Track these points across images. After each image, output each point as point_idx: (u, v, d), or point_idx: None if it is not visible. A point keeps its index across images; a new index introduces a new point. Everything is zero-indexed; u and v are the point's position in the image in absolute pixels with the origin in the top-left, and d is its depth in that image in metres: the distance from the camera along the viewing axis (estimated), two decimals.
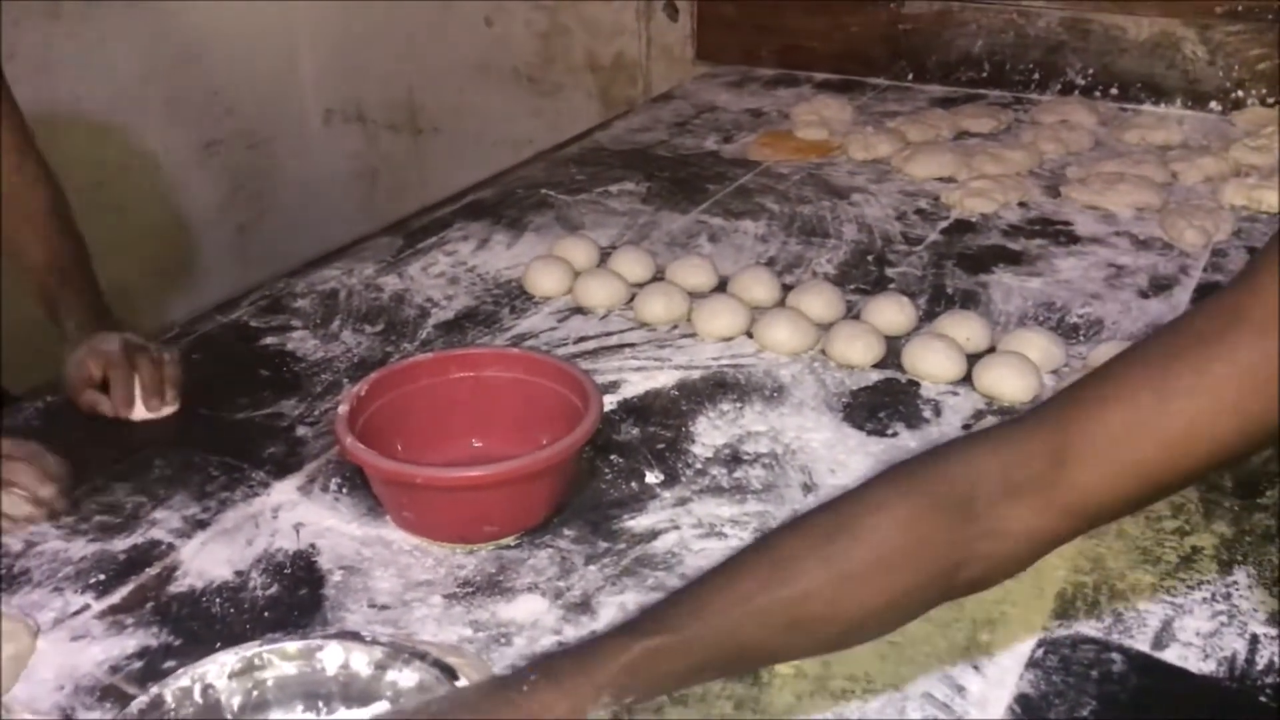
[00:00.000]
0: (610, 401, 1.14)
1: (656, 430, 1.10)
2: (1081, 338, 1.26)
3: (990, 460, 0.66)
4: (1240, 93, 1.93)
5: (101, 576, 0.92)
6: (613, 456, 1.06)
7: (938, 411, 1.13)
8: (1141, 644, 0.83)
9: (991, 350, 1.22)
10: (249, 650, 0.71)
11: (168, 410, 1.14)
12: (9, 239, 1.23)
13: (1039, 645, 0.83)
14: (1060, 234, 1.53)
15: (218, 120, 2.86)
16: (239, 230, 2.97)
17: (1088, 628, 0.85)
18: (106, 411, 1.11)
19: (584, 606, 0.87)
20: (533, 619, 0.86)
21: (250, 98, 2.91)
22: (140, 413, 1.12)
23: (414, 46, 2.84)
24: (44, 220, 1.24)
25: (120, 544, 0.95)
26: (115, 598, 0.89)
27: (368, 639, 0.73)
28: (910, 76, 2.20)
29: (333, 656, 0.72)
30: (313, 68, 3.01)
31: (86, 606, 0.88)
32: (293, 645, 0.72)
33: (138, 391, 1.12)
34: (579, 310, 1.35)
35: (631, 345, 1.26)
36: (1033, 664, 0.81)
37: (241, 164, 2.94)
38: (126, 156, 2.58)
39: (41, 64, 2.29)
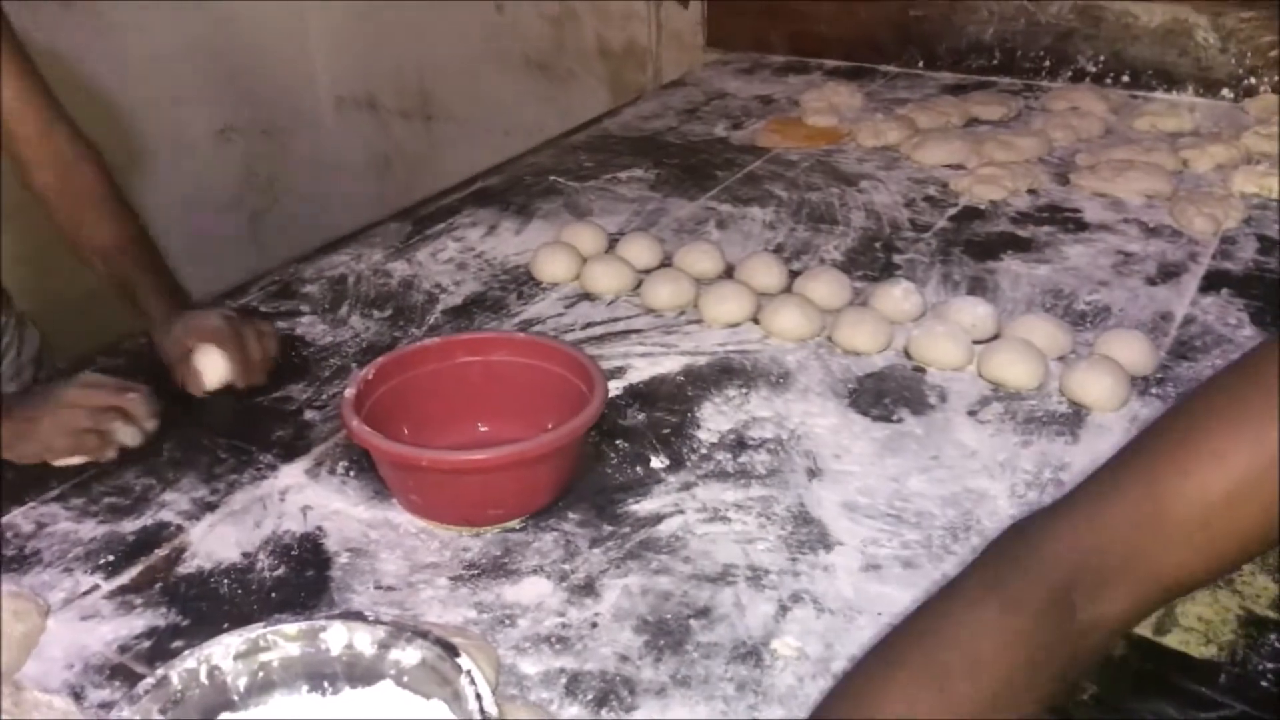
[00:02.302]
0: (616, 387, 1.14)
1: (662, 415, 1.10)
2: (1089, 325, 1.26)
3: (1081, 545, 0.59)
4: (1252, 80, 1.92)
5: (111, 557, 0.93)
6: (618, 441, 1.06)
7: (943, 397, 1.13)
8: (1143, 628, 0.83)
9: (998, 337, 1.22)
10: (254, 632, 0.72)
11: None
12: (70, 221, 1.23)
13: None
14: (1069, 221, 1.53)
15: (232, 107, 2.87)
16: (252, 217, 2.99)
17: None
18: (195, 390, 1.11)
19: (588, 589, 0.88)
20: (537, 601, 0.87)
21: (264, 85, 2.92)
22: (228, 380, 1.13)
23: (425, 34, 2.84)
24: (103, 201, 1.24)
25: (129, 525, 0.96)
26: (124, 578, 0.90)
27: (370, 619, 0.73)
28: (920, 63, 2.20)
29: (336, 637, 0.72)
30: (325, 55, 3.02)
31: (96, 587, 0.89)
32: (295, 626, 0.72)
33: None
34: (586, 296, 1.35)
35: (638, 331, 1.27)
36: None
37: (255, 151, 2.96)
38: (141, 142, 2.59)
39: (54, 51, 2.30)
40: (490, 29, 2.73)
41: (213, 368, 1.11)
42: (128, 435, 1.05)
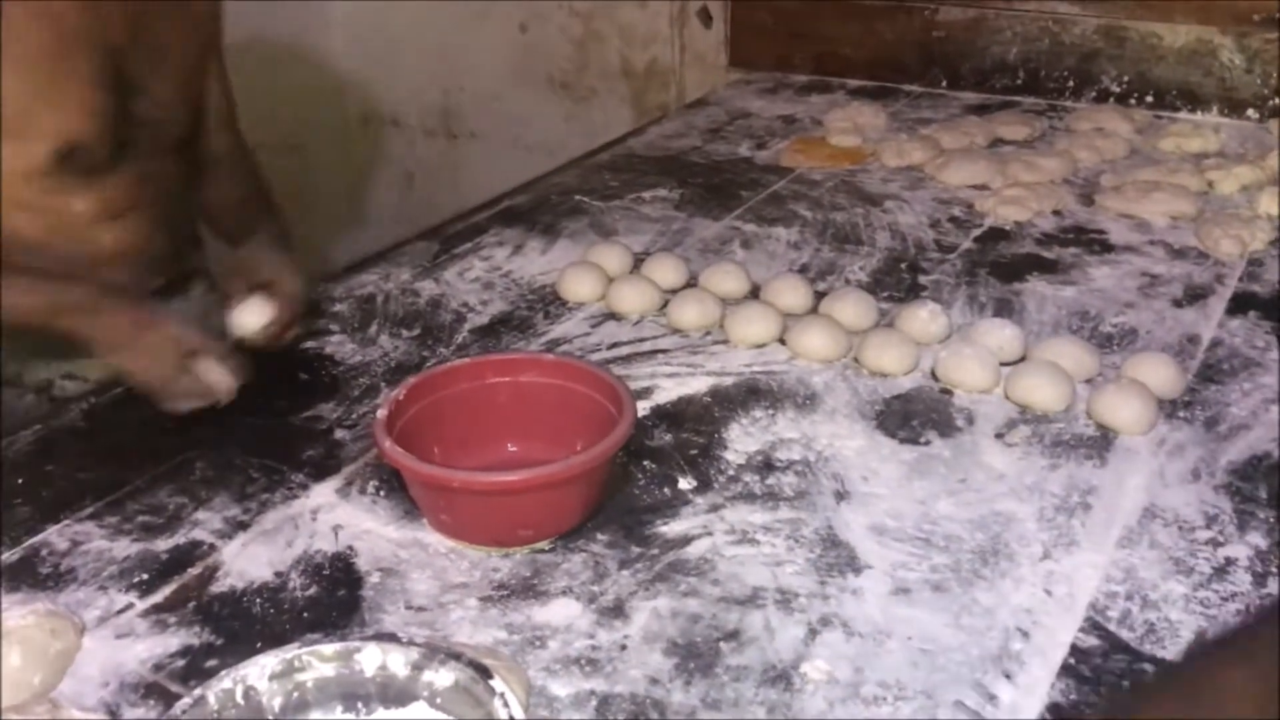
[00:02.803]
0: (643, 407, 1.15)
1: (689, 436, 1.11)
2: (1115, 347, 1.26)
3: None
4: (1277, 100, 1.92)
5: (145, 576, 0.94)
6: (646, 462, 1.07)
7: (970, 420, 1.13)
8: (1173, 654, 0.83)
9: (1024, 359, 1.22)
10: (289, 652, 0.72)
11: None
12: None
13: (1071, 654, 0.83)
14: (1094, 243, 1.53)
15: (256, 124, 2.89)
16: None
17: (1120, 638, 0.85)
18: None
19: (617, 611, 0.88)
20: (567, 622, 0.87)
21: (289, 103, 2.94)
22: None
23: (449, 52, 2.86)
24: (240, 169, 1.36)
25: (163, 544, 0.97)
26: (158, 597, 0.91)
27: (404, 640, 0.74)
28: (944, 83, 2.20)
29: (370, 658, 0.73)
30: (351, 73, 3.04)
31: (130, 605, 0.90)
32: (331, 647, 0.73)
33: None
34: (612, 316, 1.36)
35: (664, 351, 1.27)
36: (1064, 673, 0.82)
37: (279, 168, 2.97)
38: None
39: None
40: (514, 49, 2.75)
41: (254, 313, 1.18)
42: (214, 377, 1.11)
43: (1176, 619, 0.86)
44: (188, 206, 1.33)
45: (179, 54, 1.24)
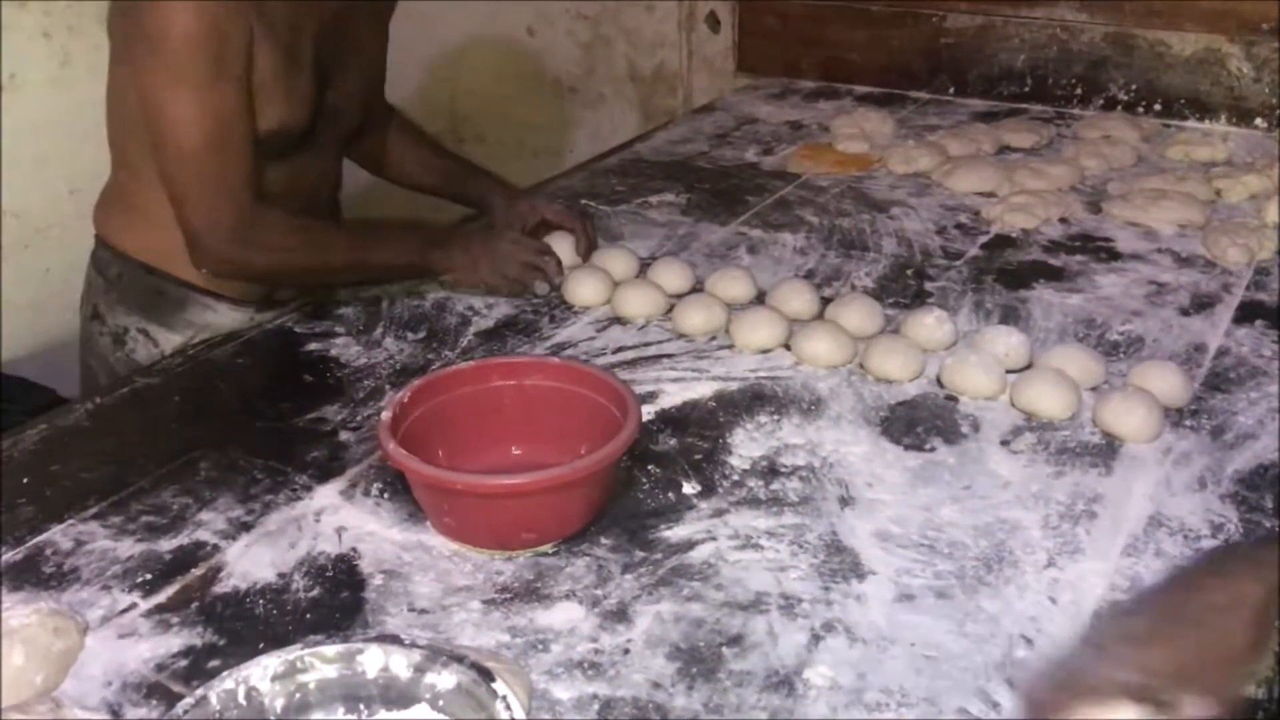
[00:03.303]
0: (648, 412, 1.15)
1: (694, 441, 1.11)
2: (1121, 355, 1.26)
3: None
4: None
5: (148, 576, 0.93)
6: (650, 467, 1.07)
7: (976, 427, 1.13)
8: None
9: (1030, 366, 1.21)
10: (291, 653, 0.72)
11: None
12: (397, 160, 1.61)
13: None
14: (1101, 250, 1.52)
15: None
16: None
17: None
18: (552, 275, 1.41)
19: (620, 615, 0.88)
20: (570, 626, 0.87)
21: None
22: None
23: (457, 56, 2.86)
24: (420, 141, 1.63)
25: (166, 544, 0.97)
26: (161, 597, 0.91)
27: (407, 642, 0.74)
28: (951, 90, 2.20)
29: (373, 659, 0.73)
30: None
31: (134, 605, 0.90)
32: (333, 648, 0.73)
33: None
34: (618, 320, 1.36)
35: (670, 356, 1.27)
36: None
37: None
38: None
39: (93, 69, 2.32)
40: (522, 53, 2.75)
41: (566, 251, 1.45)
42: (541, 287, 1.40)
43: None
44: (337, 204, 1.46)
45: (367, 51, 1.41)
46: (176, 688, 0.82)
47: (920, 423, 1.14)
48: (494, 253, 1.37)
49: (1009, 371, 1.19)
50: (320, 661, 0.73)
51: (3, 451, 1.10)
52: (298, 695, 0.72)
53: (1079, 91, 2.09)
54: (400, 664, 0.73)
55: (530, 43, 2.73)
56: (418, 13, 2.82)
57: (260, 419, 1.16)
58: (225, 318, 1.35)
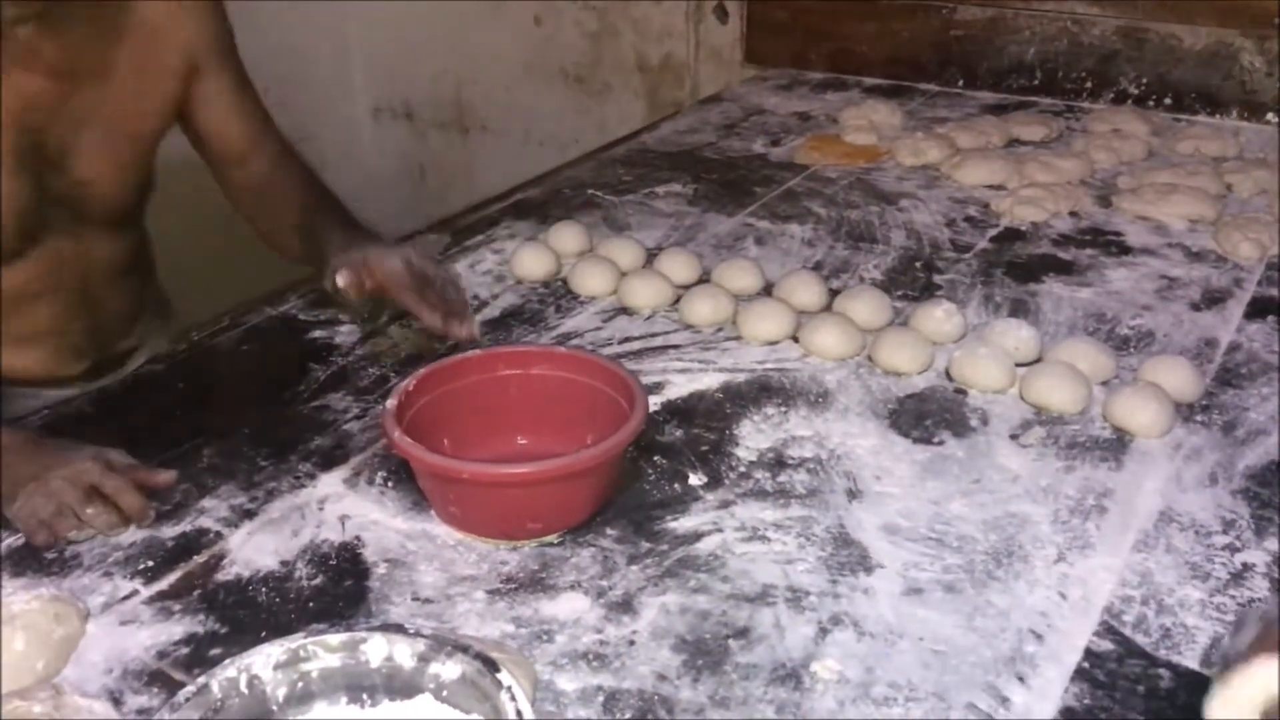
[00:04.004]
0: (654, 402, 1.14)
1: (700, 432, 1.10)
2: (1132, 350, 1.25)
3: None
4: None
5: (150, 563, 0.93)
6: (656, 457, 1.06)
7: (985, 420, 1.12)
8: (1190, 660, 0.82)
9: (1040, 360, 1.20)
10: (294, 642, 0.71)
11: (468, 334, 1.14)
12: (261, 213, 1.32)
13: (1085, 658, 0.82)
14: (1111, 244, 1.51)
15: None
16: None
17: (1135, 643, 0.83)
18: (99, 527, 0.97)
19: (625, 606, 0.87)
20: (574, 617, 0.86)
21: (301, 94, 2.94)
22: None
23: (463, 45, 2.85)
24: (298, 185, 1.32)
25: (169, 531, 0.97)
26: (163, 584, 0.91)
27: (411, 631, 0.73)
28: (961, 82, 2.19)
29: (376, 649, 0.72)
30: (362, 65, 3.03)
31: (135, 592, 0.90)
32: (336, 637, 0.72)
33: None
34: (624, 311, 1.35)
35: (676, 347, 1.26)
36: (1079, 677, 0.80)
37: None
38: (178, 150, 2.61)
39: None
40: (528, 42, 2.74)
41: (574, 240, 1.34)
42: (80, 535, 0.95)
43: (1193, 624, 0.85)
44: (129, 283, 1.26)
45: (116, 126, 1.15)
46: (178, 675, 0.81)
47: (929, 416, 1.13)
48: (47, 482, 0.96)
49: (1018, 365, 1.19)
50: (323, 650, 0.72)
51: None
52: (300, 684, 0.72)
53: (1089, 85, 2.07)
54: (404, 653, 0.72)
55: (537, 32, 2.72)
56: (426, 3, 2.82)
57: (264, 406, 1.15)
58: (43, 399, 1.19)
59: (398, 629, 0.73)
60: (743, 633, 0.85)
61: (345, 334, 1.30)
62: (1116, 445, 1.08)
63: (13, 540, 0.95)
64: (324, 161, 3.01)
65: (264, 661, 0.71)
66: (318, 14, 2.90)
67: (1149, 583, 0.90)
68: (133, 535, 0.96)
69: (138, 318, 1.31)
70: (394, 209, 2.98)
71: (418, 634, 0.73)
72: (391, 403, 0.97)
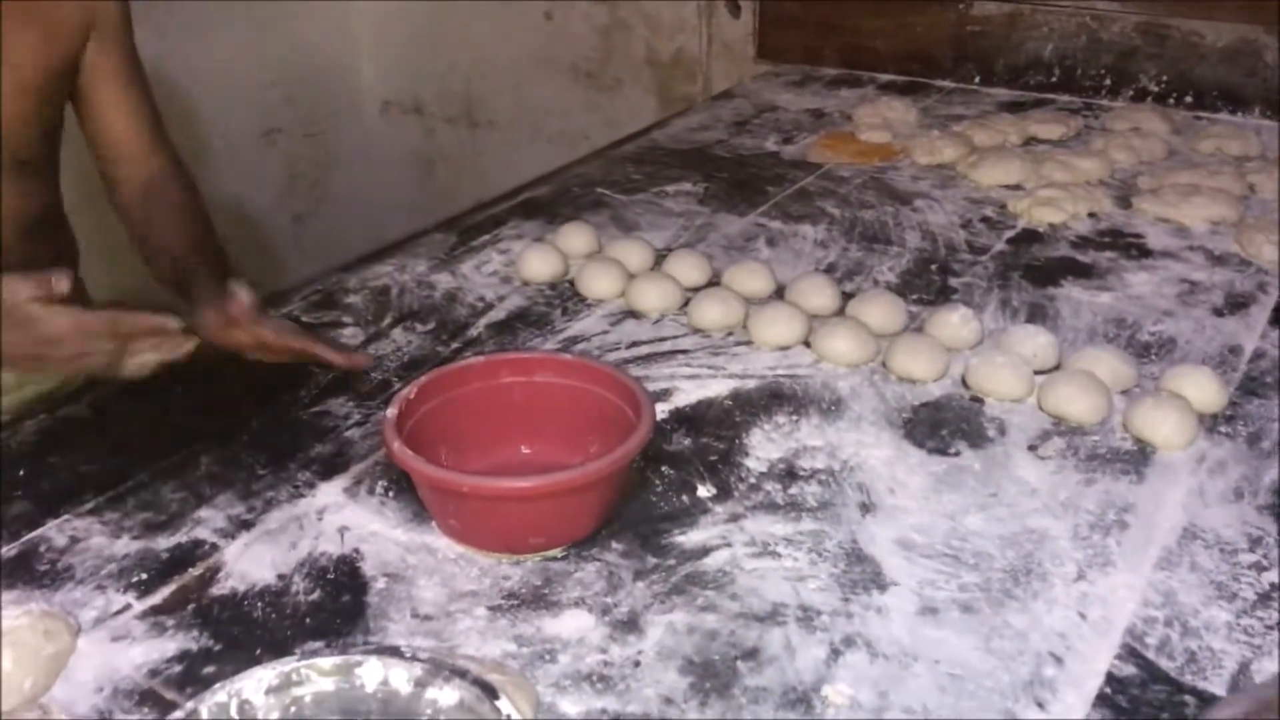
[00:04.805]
0: (662, 410, 1.11)
1: (709, 441, 1.07)
2: (1153, 357, 1.21)
3: None
4: None
5: (144, 575, 0.90)
6: (663, 468, 1.03)
7: (1002, 430, 1.09)
8: (1216, 687, 0.79)
9: (1058, 368, 1.17)
10: (287, 665, 0.69)
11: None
12: (144, 225, 1.25)
13: (1107, 683, 0.79)
14: (1131, 247, 1.48)
15: (277, 109, 2.87)
16: (295, 219, 2.98)
17: (1159, 667, 0.81)
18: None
19: (631, 625, 0.85)
20: (578, 635, 0.84)
21: (310, 88, 2.92)
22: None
23: (473, 39, 2.83)
24: (181, 210, 1.26)
25: (164, 542, 0.94)
26: (157, 598, 0.88)
27: (408, 655, 0.70)
28: (977, 79, 2.16)
29: (372, 672, 0.70)
30: (372, 59, 3.01)
31: (128, 606, 0.87)
32: (330, 660, 0.70)
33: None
34: (632, 314, 1.32)
35: (685, 352, 1.24)
36: (1100, 703, 0.78)
37: (300, 153, 2.95)
38: (185, 144, 2.59)
39: None
40: (538, 36, 2.71)
41: (582, 241, 1.33)
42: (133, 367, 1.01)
43: (1219, 648, 0.82)
44: (40, 236, 1.24)
45: (13, 67, 1.14)
46: (169, 694, 0.79)
47: (944, 425, 1.10)
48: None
49: (1037, 373, 1.15)
50: (317, 674, 0.70)
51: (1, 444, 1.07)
52: (293, 709, 0.69)
53: (1108, 82, 2.04)
54: (400, 678, 0.70)
55: (548, 26, 2.70)
56: None
57: (264, 412, 1.13)
58: None
59: (394, 651, 0.71)
60: (752, 654, 0.82)
61: (348, 337, 1.27)
62: (1137, 457, 1.05)
63: (7, 550, 0.93)
64: (333, 155, 3.01)
65: (255, 686, 0.69)
66: (328, 8, 2.87)
67: (1172, 603, 0.87)
68: (127, 546, 0.94)
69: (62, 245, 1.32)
70: (403, 203, 2.96)
71: (414, 657, 0.70)
72: (392, 411, 0.95)
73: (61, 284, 0.97)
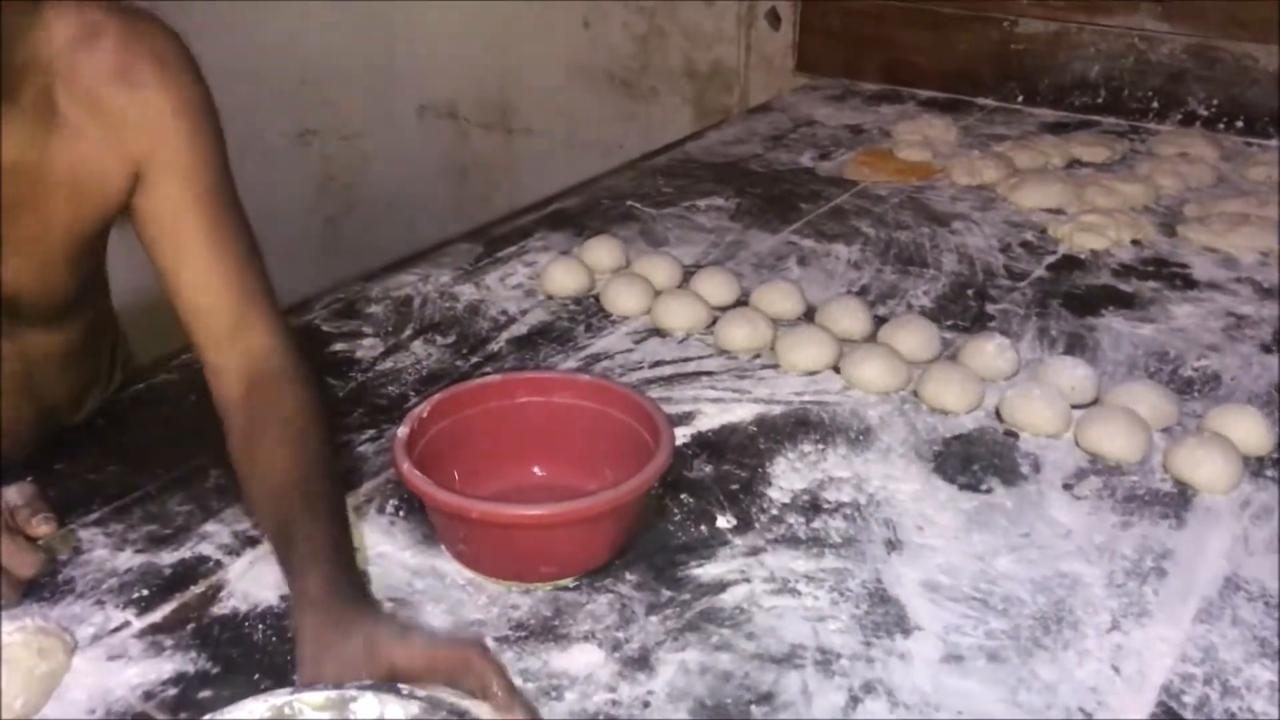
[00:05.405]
0: (683, 434, 1.08)
1: (731, 469, 1.04)
2: (1196, 394, 1.17)
3: None
4: None
5: (145, 592, 0.88)
6: (683, 495, 1.00)
7: (1037, 467, 1.05)
8: None
9: (1097, 402, 1.13)
10: (278, 698, 0.66)
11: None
12: (244, 446, 0.92)
13: None
14: (1176, 277, 1.43)
15: (312, 110, 2.86)
16: (327, 221, 2.98)
17: None
18: None
19: (642, 662, 0.81)
20: (587, 672, 0.81)
21: (347, 90, 2.91)
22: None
23: (510, 46, 2.81)
24: (285, 423, 0.91)
25: (168, 557, 0.92)
26: (156, 616, 0.86)
27: (404, 692, 0.67)
28: (1020, 99, 2.11)
29: (366, 709, 0.67)
30: (408, 62, 3.00)
31: (127, 624, 0.85)
32: (323, 694, 0.67)
33: None
34: (657, 332, 1.29)
35: (710, 374, 1.20)
36: None
37: (334, 155, 2.95)
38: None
39: None
40: (576, 44, 2.69)
41: (610, 255, 1.36)
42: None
43: (1261, 710, 0.78)
44: (79, 367, 1.08)
45: (38, 232, 0.92)
46: (162, 718, 0.77)
47: (977, 460, 1.06)
48: None
49: (1074, 407, 1.11)
50: (309, 709, 0.67)
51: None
52: None
53: (1156, 105, 1.98)
54: (396, 715, 0.67)
55: (585, 34, 2.67)
56: (473, 3, 2.77)
57: None
58: None
59: (390, 688, 0.68)
60: (766, 698, 0.78)
61: (367, 348, 1.25)
62: (1178, 500, 1.00)
63: None
64: (368, 159, 2.99)
65: None
66: (364, 11, 2.86)
67: (1212, 659, 0.82)
68: (129, 560, 0.92)
69: (88, 394, 1.19)
70: (436, 208, 2.94)
71: (411, 694, 0.67)
72: (403, 430, 0.92)
73: (41, 529, 0.89)
